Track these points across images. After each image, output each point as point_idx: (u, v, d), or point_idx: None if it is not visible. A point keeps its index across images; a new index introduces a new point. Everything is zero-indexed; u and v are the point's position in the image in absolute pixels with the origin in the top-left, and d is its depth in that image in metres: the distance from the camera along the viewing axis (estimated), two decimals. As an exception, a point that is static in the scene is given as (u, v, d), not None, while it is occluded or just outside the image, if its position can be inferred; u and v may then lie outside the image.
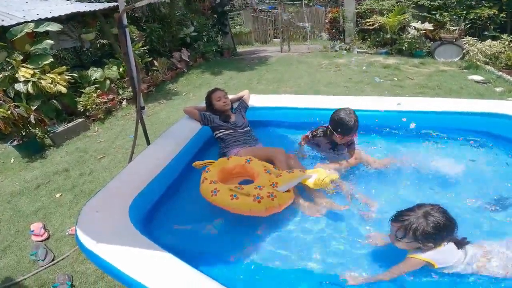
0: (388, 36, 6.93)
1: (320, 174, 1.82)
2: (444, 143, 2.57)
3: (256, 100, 3.08)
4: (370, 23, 7.15)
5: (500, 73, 4.81)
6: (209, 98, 2.70)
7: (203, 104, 2.82)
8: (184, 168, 2.44)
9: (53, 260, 2.02)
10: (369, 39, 7.50)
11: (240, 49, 9.63)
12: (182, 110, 2.89)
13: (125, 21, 1.95)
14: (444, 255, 1.43)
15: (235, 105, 2.88)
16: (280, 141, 2.86)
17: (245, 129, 2.64)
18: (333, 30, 8.84)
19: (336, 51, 7.55)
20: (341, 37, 8.39)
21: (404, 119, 2.66)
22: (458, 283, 1.45)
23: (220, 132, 2.59)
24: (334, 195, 2.04)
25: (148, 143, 2.66)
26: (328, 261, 1.64)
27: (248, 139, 2.58)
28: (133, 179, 1.98)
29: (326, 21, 9.41)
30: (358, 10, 7.68)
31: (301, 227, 1.85)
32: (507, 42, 5.34)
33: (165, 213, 2.07)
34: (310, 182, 1.83)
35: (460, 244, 1.46)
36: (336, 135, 2.09)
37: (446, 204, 1.86)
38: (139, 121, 2.38)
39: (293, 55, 7.84)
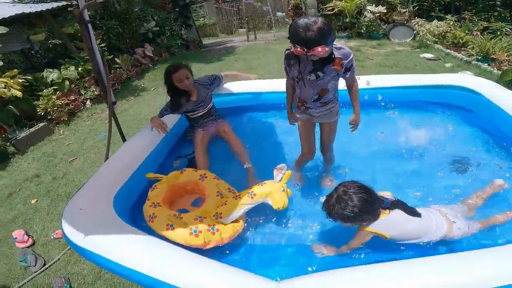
0: (348, 20, 7.23)
1: (273, 196, 1.65)
2: (406, 115, 2.84)
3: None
4: (330, 8, 7.40)
5: (448, 50, 5.28)
6: (169, 77, 2.39)
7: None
8: (163, 159, 2.50)
9: (44, 264, 1.98)
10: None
11: (205, 41, 9.49)
12: (152, 105, 2.93)
13: (86, 17, 1.91)
14: (391, 224, 1.43)
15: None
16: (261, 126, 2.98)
17: (207, 108, 2.60)
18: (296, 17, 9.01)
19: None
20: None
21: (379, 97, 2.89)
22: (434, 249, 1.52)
23: (186, 114, 2.64)
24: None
25: (123, 138, 2.64)
26: (302, 235, 1.75)
27: (208, 119, 2.62)
28: (113, 174, 1.98)
29: (289, 8, 9.55)
30: (318, -5, 7.90)
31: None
32: (451, 22, 5.85)
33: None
34: (273, 206, 1.67)
35: (411, 211, 1.45)
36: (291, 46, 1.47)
37: (410, 172, 2.09)
38: (112, 117, 2.35)
39: (260, 43, 7.92)
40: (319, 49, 1.37)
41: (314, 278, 1.28)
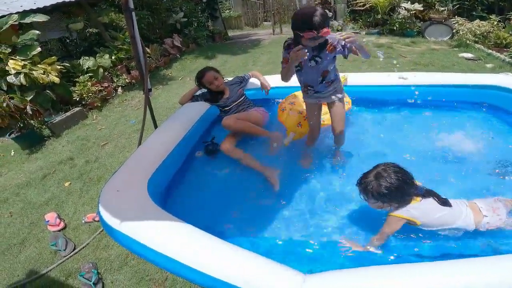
0: (379, 16, 6.96)
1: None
2: (445, 115, 2.70)
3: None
4: (361, 3, 7.15)
5: (490, 50, 4.95)
6: (201, 83, 2.71)
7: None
8: (193, 146, 2.54)
9: (74, 249, 1.99)
10: (360, 20, 7.51)
11: (230, 33, 9.47)
12: (180, 94, 2.99)
13: (131, 5, 1.93)
14: (422, 211, 1.44)
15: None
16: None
17: (239, 101, 2.75)
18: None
19: (328, 32, 7.55)
20: (333, 19, 8.36)
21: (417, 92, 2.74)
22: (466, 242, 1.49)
23: (219, 108, 2.79)
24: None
25: (155, 125, 2.68)
26: (327, 228, 1.72)
27: (240, 110, 2.71)
28: (147, 158, 2.01)
29: (317, 2, 9.32)
30: (349, -9, 7.65)
31: (300, 199, 1.95)
32: (495, 22, 5.48)
33: (180, 189, 2.14)
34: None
35: (443, 201, 1.46)
36: (300, 34, 1.64)
37: (447, 170, 2.00)
38: (147, 104, 2.39)
39: (286, 37, 7.68)
40: (325, 29, 1.60)
41: (340, 274, 1.23)
